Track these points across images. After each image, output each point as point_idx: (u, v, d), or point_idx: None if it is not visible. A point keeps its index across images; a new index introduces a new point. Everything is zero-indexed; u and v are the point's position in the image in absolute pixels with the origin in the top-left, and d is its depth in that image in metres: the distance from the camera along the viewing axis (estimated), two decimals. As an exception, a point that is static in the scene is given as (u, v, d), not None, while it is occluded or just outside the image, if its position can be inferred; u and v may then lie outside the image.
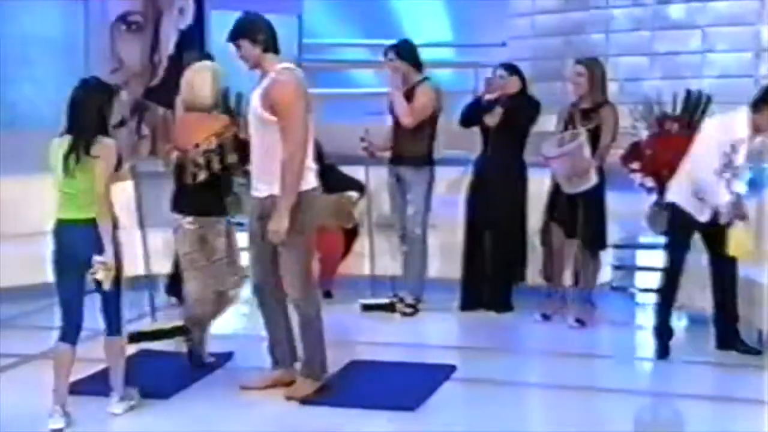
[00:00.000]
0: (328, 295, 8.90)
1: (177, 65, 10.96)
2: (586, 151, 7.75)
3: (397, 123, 8.49)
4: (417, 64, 8.50)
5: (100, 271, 5.93)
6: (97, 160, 5.90)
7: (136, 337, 7.27)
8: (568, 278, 8.24)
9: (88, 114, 6.02)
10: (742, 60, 11.45)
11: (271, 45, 6.26)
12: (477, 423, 6.05)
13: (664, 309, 7.29)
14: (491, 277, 8.36)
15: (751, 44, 11.37)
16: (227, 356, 7.20)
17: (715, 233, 7.11)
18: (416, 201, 8.49)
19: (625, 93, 9.08)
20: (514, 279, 8.43)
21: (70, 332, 6.14)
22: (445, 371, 6.85)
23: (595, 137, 7.84)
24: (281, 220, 6.09)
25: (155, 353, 7.34)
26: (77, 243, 5.95)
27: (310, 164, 6.31)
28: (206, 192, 6.74)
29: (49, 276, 8.56)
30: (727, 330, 7.25)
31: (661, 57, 11.58)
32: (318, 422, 6.07)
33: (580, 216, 7.89)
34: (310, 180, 6.29)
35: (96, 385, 6.59)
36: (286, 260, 6.30)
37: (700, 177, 7.02)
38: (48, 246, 6.12)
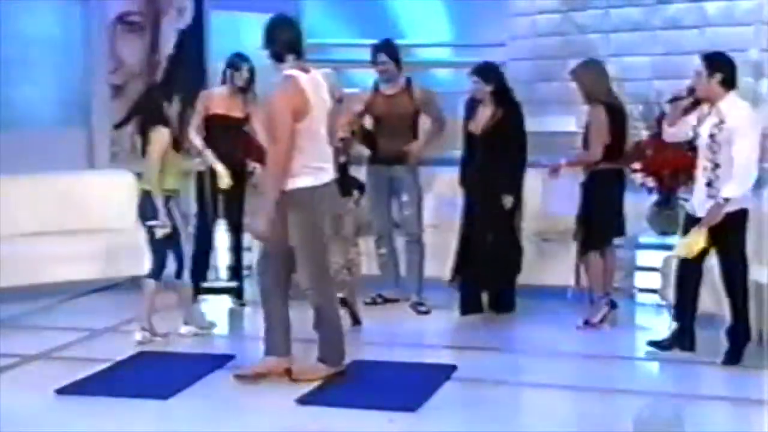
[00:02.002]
0: None
1: (177, 65, 11.00)
2: None
3: (378, 122, 8.47)
4: (400, 64, 8.52)
5: (157, 230, 7.56)
6: (151, 144, 7.55)
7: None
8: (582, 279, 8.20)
9: (147, 111, 7.87)
10: (741, 60, 11.43)
11: (280, 52, 6.47)
12: (477, 423, 6.05)
13: (680, 314, 7.25)
14: (492, 278, 8.33)
15: (751, 44, 11.35)
16: (228, 358, 7.19)
17: (717, 230, 6.93)
18: (412, 202, 8.50)
19: (625, 93, 9.04)
20: (515, 279, 8.41)
21: (158, 271, 7.68)
22: (445, 371, 6.85)
23: None
24: (261, 217, 6.47)
25: (155, 353, 7.34)
26: (143, 207, 7.68)
27: (313, 164, 6.44)
28: (343, 173, 7.46)
29: (49, 276, 8.70)
30: (739, 345, 7.04)
31: (661, 57, 11.55)
32: (318, 422, 6.07)
33: (577, 215, 7.90)
34: (321, 178, 6.48)
35: (96, 385, 6.60)
36: (296, 254, 6.56)
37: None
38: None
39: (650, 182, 8.75)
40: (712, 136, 6.86)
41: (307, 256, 6.54)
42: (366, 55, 8.68)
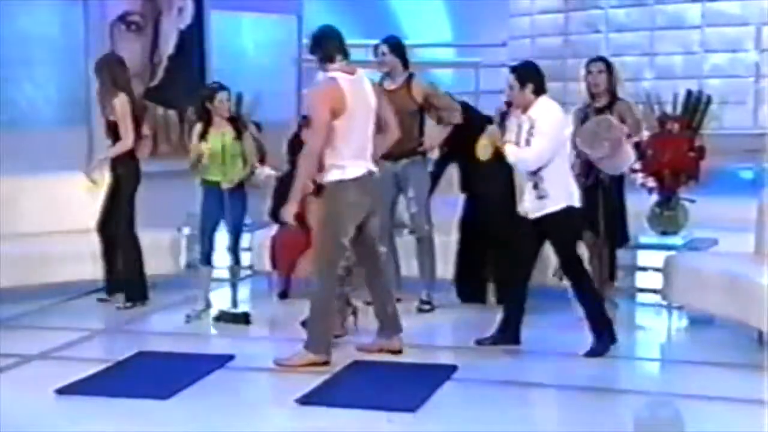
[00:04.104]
0: (284, 295, 8.91)
1: (177, 65, 11.00)
2: (614, 122, 7.74)
3: (380, 118, 8.45)
4: (405, 61, 8.51)
5: None
6: None
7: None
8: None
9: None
10: (742, 60, 11.46)
11: (328, 55, 6.93)
12: (477, 423, 6.03)
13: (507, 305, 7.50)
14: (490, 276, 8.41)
15: (751, 44, 11.37)
16: (228, 358, 7.19)
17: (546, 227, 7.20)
18: (419, 198, 8.50)
19: (625, 93, 9.06)
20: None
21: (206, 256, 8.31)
22: (445, 371, 6.85)
23: None
24: (288, 204, 6.91)
25: (155, 353, 7.34)
26: None
27: (342, 163, 6.82)
28: None
29: (49, 276, 8.70)
30: (600, 334, 7.23)
31: (661, 57, 11.58)
32: (318, 422, 6.06)
33: (599, 214, 7.86)
34: (348, 173, 6.84)
35: (96, 385, 6.60)
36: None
37: None
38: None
39: (650, 182, 8.75)
40: (528, 141, 7.04)
41: (318, 246, 7.01)
42: (365, 55, 8.68)
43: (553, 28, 12.35)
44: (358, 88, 6.90)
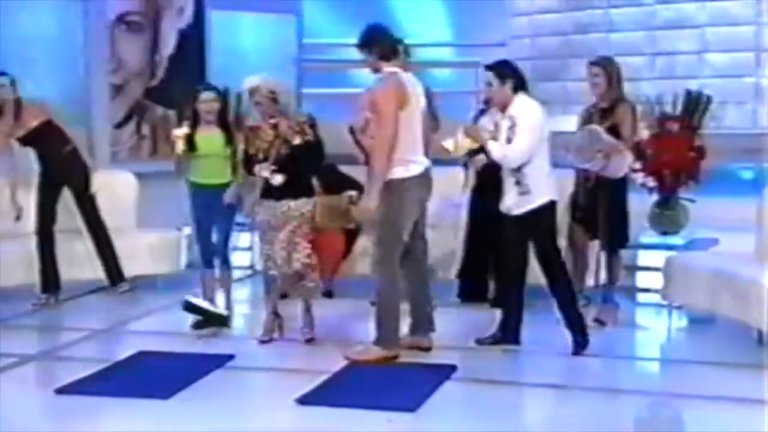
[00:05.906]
0: (328, 294, 8.87)
1: (176, 65, 11.00)
2: (603, 134, 7.72)
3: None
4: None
5: None
6: None
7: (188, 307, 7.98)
8: (590, 278, 8.24)
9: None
10: (741, 60, 11.47)
11: (384, 54, 7.05)
12: (477, 423, 6.04)
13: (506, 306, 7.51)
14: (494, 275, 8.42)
15: (750, 44, 11.37)
16: (228, 357, 7.19)
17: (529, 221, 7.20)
18: None
19: (625, 93, 9.05)
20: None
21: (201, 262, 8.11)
22: (445, 371, 6.85)
23: (614, 135, 7.76)
24: (368, 200, 7.00)
25: (155, 353, 7.34)
26: None
27: (406, 156, 6.94)
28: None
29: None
30: (576, 330, 7.29)
31: (661, 57, 11.59)
32: (318, 422, 6.06)
33: (601, 214, 7.86)
34: (411, 169, 6.97)
35: (96, 385, 6.60)
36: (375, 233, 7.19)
37: None
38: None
39: (651, 182, 8.76)
40: (509, 139, 7.05)
41: (380, 238, 7.07)
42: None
43: (553, 28, 12.35)
44: (413, 85, 7.08)
